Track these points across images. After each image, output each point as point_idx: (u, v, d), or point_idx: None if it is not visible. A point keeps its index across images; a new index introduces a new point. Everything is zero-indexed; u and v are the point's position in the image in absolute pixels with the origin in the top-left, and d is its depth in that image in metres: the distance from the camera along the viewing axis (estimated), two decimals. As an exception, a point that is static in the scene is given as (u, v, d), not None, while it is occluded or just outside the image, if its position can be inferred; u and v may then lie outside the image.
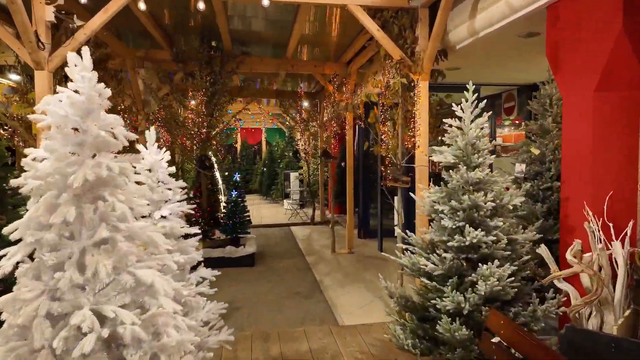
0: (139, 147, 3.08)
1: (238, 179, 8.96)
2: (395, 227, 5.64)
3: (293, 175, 15.39)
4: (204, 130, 7.84)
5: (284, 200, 15.76)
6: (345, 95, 8.45)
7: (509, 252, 3.38)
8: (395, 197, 6.23)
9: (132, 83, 7.75)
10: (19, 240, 1.94)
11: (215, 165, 12.62)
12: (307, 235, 11.05)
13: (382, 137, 5.67)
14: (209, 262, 8.00)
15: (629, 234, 3.08)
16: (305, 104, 12.06)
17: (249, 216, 8.88)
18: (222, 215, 8.62)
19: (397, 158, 5.41)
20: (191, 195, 8.69)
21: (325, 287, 6.69)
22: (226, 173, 21.70)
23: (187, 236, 3.17)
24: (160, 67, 8.03)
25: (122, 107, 7.64)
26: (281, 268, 7.88)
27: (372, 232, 10.40)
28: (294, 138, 18.08)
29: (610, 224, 3.17)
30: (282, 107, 12.15)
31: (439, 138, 4.77)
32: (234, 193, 8.13)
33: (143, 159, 2.97)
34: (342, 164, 13.09)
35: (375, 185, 12.01)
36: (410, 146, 5.32)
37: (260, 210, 15.20)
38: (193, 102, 7.85)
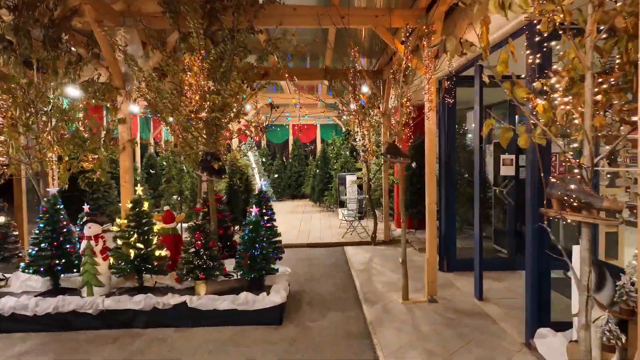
0: None
1: (264, 187, 6.24)
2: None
3: (350, 179, 12.47)
4: (206, 114, 5.16)
5: (339, 209, 12.89)
6: (425, 61, 5.40)
7: None
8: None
9: (102, 48, 5.25)
10: None
11: (255, 167, 10.05)
12: (367, 262, 8.10)
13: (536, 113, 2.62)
14: (210, 318, 5.17)
15: None
16: (365, 89, 9.11)
17: (279, 244, 6.12)
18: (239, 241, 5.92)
19: (588, 157, 2.32)
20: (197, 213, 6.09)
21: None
22: (276, 175, 19.29)
23: None
24: (147, 25, 5.46)
25: (96, 83, 5.18)
26: (323, 332, 4.99)
27: (461, 264, 7.23)
28: (350, 132, 15.17)
29: None
30: (333, 89, 9.27)
31: None
32: (254, 212, 5.37)
33: None
34: (413, 164, 9.99)
35: (465, 194, 8.80)
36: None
37: (310, 222, 12.46)
38: (191, 74, 5.20)
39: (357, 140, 10.73)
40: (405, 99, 5.47)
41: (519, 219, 7.69)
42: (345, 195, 12.21)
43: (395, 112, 9.00)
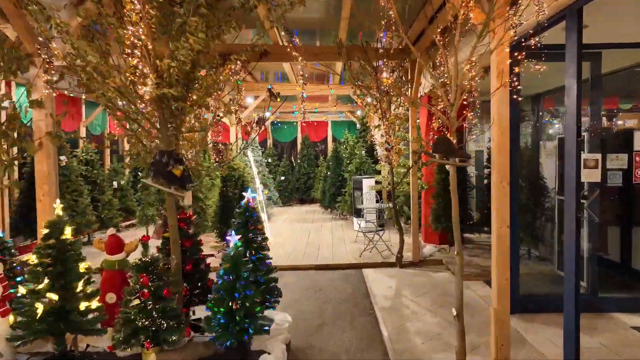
0: None
1: (249, 197, 4.38)
2: None
3: (367, 184, 10.56)
4: (152, 89, 3.30)
5: (354, 219, 10.98)
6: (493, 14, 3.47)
7: None
8: None
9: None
10: None
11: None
12: (394, 294, 6.19)
13: None
14: None
15: None
16: (384, 75, 7.20)
17: (273, 283, 4.23)
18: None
19: None
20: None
21: None
22: (282, 177, 17.43)
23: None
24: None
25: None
26: None
27: (529, 302, 5.28)
28: (367, 128, 13.27)
29: None
30: (349, 72, 7.34)
31: None
32: (232, 240, 3.48)
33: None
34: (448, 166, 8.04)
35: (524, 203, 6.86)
36: None
37: (320, 233, 10.56)
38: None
39: (377, 136, 8.89)
40: (468, 66, 3.53)
41: (605, 241, 5.73)
42: (362, 203, 10.29)
43: (426, 100, 7.18)
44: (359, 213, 10.60)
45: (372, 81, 7.16)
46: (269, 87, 6.68)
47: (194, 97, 3.57)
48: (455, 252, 3.85)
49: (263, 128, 15.80)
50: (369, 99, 8.37)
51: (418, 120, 8.36)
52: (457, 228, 3.90)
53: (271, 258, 4.30)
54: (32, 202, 8.02)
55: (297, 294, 6.28)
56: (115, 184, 10.68)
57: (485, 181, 9.01)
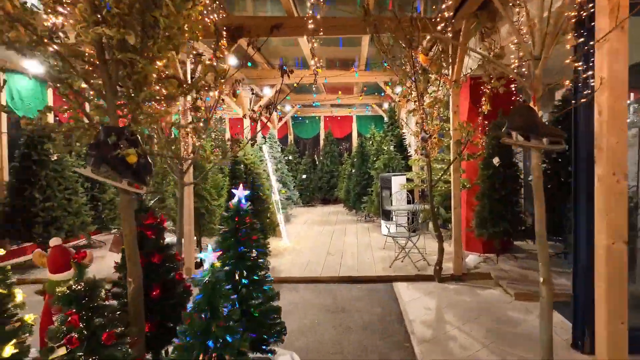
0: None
1: (240, 196, 3.20)
2: None
3: (397, 182, 9.29)
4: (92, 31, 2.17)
5: (382, 222, 9.72)
6: None
7: None
8: None
9: None
10: None
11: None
12: (435, 318, 4.93)
13: None
14: None
15: None
16: (419, 59, 5.91)
17: (274, 315, 3.05)
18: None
19: None
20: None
21: None
22: (304, 176, 16.27)
23: None
24: None
25: None
26: None
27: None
28: (395, 121, 11.99)
29: None
30: (378, 47, 6.07)
31: None
32: (208, 259, 2.33)
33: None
34: (496, 159, 6.74)
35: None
36: None
37: (343, 238, 9.35)
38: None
39: (411, 125, 7.62)
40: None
41: None
42: (392, 203, 9.01)
43: (468, 83, 5.98)
44: (387, 215, 9.33)
45: (406, 57, 5.90)
46: (281, 62, 5.58)
47: (155, 49, 2.43)
48: (540, 280, 2.59)
49: (278, 118, 14.61)
50: (399, 88, 7.16)
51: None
52: (543, 245, 2.63)
53: (272, 280, 3.12)
54: (19, 202, 7.14)
55: (311, 317, 5.10)
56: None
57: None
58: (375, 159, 12.08)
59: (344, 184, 14.09)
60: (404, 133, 11.87)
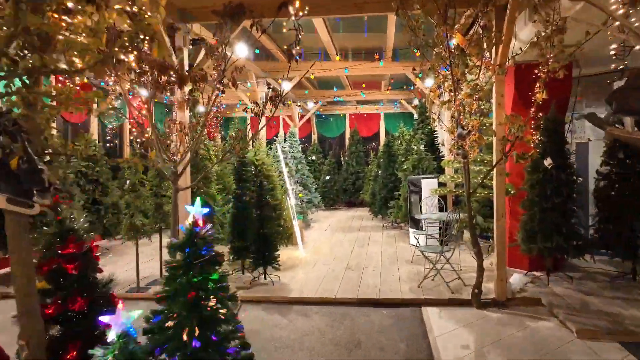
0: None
1: (196, 216, 2.27)
2: None
3: (428, 185, 8.22)
4: None
5: (410, 230, 8.68)
6: None
7: None
8: None
9: None
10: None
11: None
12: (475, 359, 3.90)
13: None
14: None
15: None
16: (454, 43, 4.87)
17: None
18: None
19: None
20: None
21: None
22: (327, 177, 15.32)
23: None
24: None
25: None
26: None
27: None
28: (427, 117, 10.92)
29: None
30: (403, 18, 5.05)
31: None
32: (112, 321, 1.44)
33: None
34: (547, 161, 5.61)
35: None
36: None
37: (366, 248, 8.35)
38: None
39: (444, 120, 6.65)
40: None
41: None
42: (421, 211, 7.93)
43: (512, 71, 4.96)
44: (416, 223, 8.28)
45: (438, 38, 4.87)
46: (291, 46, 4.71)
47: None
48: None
49: (299, 116, 13.70)
50: (429, 82, 6.15)
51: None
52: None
53: (248, 348, 2.17)
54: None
55: (316, 351, 4.16)
56: (128, 183, 9.10)
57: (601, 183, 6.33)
58: (403, 159, 11.02)
59: (369, 186, 13.07)
60: (436, 131, 10.75)
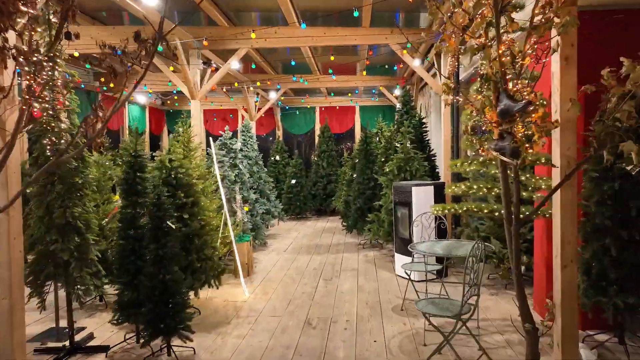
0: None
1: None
2: None
3: (421, 195, 5.93)
4: None
5: (397, 256, 6.39)
6: None
7: None
8: None
9: None
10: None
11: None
12: None
13: None
14: None
15: None
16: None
17: None
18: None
19: None
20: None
21: None
22: (293, 181, 12.85)
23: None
24: None
25: None
26: None
27: None
28: (411, 109, 8.77)
29: None
30: None
31: None
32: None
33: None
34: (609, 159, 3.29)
35: None
36: None
37: (336, 282, 5.99)
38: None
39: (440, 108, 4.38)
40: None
41: None
42: (412, 234, 5.57)
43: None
44: (404, 245, 5.99)
45: None
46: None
47: None
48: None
49: (257, 107, 11.26)
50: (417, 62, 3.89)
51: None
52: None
53: None
54: None
55: None
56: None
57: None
58: (383, 159, 8.77)
59: (342, 192, 10.76)
60: (425, 124, 8.51)
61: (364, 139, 8.75)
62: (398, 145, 9.13)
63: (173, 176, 4.70)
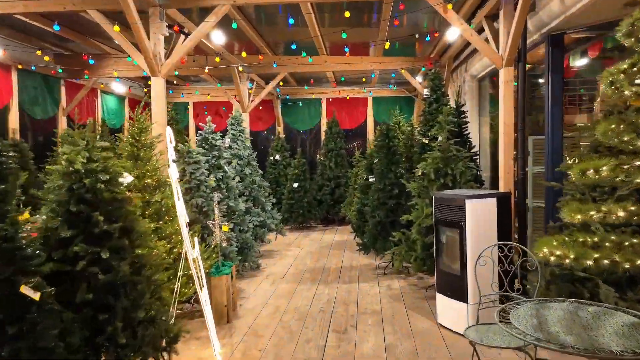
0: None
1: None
2: None
3: (477, 212, 4.00)
4: None
5: (440, 298, 4.44)
6: None
7: None
8: None
9: None
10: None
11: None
12: None
13: None
14: None
15: None
16: None
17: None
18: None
19: None
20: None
21: None
22: (295, 185, 10.85)
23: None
24: None
25: None
26: None
27: None
28: (443, 94, 6.84)
29: None
30: None
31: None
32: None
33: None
34: None
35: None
36: None
37: (353, 334, 4.08)
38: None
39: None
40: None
41: None
42: (464, 267, 3.62)
43: None
44: (451, 285, 4.08)
45: None
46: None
47: None
48: None
49: (251, 95, 9.35)
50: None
51: None
52: None
53: None
54: None
55: None
56: None
57: None
58: (407, 157, 6.93)
59: (353, 198, 8.88)
60: (465, 113, 6.56)
61: (385, 132, 6.81)
62: (425, 141, 7.30)
63: (87, 188, 2.82)
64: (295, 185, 10.36)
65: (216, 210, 4.76)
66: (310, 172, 11.20)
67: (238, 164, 7.66)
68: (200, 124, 11.32)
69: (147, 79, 12.09)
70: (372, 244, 6.55)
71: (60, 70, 8.46)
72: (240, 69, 7.56)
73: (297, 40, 7.46)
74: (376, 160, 6.83)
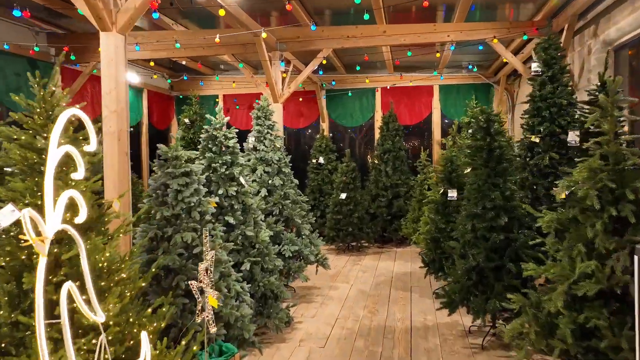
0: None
1: None
2: None
3: None
4: None
5: None
6: None
7: None
8: None
9: None
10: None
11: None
12: None
13: None
14: None
15: None
16: None
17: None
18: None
19: None
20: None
21: None
22: (343, 195, 8.47)
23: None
24: None
25: None
26: None
27: None
28: (560, 67, 4.30)
29: None
30: None
31: None
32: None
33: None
34: None
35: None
36: None
37: None
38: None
39: None
40: None
41: None
42: None
43: None
44: None
45: None
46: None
47: None
48: None
49: (284, 78, 6.92)
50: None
51: None
52: None
53: None
54: None
55: None
56: None
57: None
58: (537, 163, 4.61)
59: (419, 213, 6.61)
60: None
61: (485, 126, 4.44)
62: (535, 139, 5.05)
63: None
64: (343, 196, 8.15)
65: (205, 263, 2.66)
66: (362, 179, 8.94)
67: (265, 171, 5.58)
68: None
69: (172, 69, 10.46)
70: (462, 300, 4.20)
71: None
72: (265, 35, 5.43)
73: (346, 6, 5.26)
74: (468, 170, 4.50)
